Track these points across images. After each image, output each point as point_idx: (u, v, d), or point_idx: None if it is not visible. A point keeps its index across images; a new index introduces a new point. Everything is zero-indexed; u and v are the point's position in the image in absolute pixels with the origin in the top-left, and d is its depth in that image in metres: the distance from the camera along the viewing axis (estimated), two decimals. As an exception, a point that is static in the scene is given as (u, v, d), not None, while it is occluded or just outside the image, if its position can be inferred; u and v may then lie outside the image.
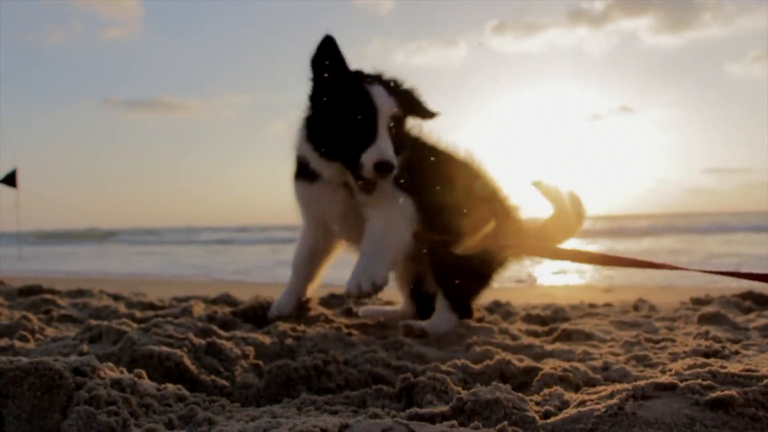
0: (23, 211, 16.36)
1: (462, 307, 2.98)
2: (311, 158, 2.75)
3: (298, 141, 2.82)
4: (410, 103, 2.76)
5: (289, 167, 2.97)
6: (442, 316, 2.89)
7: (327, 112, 2.67)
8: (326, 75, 2.65)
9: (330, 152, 2.67)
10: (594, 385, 1.92)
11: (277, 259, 13.87)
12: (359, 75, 2.69)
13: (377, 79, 2.70)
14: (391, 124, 2.62)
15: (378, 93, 2.61)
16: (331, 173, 2.73)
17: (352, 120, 2.58)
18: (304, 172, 2.85)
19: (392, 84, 2.72)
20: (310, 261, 3.16)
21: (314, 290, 3.35)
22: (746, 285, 4.59)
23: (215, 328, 2.62)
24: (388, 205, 2.76)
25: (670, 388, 1.53)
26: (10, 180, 14.77)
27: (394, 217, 2.75)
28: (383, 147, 2.54)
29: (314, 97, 2.73)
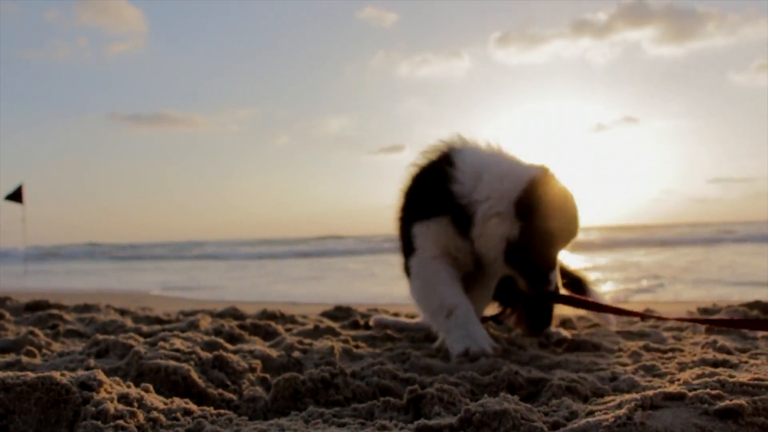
0: (29, 226, 16.40)
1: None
2: (498, 264, 2.71)
3: (470, 199, 2.69)
4: None
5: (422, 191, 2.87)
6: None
7: (532, 236, 2.63)
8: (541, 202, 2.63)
9: (523, 269, 2.70)
10: (602, 396, 1.91)
11: (286, 275, 13.88)
12: (569, 195, 2.72)
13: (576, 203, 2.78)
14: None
15: (577, 215, 2.75)
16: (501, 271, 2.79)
17: (552, 243, 2.70)
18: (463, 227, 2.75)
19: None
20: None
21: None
22: (754, 295, 4.56)
23: (222, 341, 2.62)
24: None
25: (678, 397, 1.53)
26: (17, 196, 14.84)
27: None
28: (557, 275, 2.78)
29: (528, 213, 2.63)
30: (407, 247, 2.85)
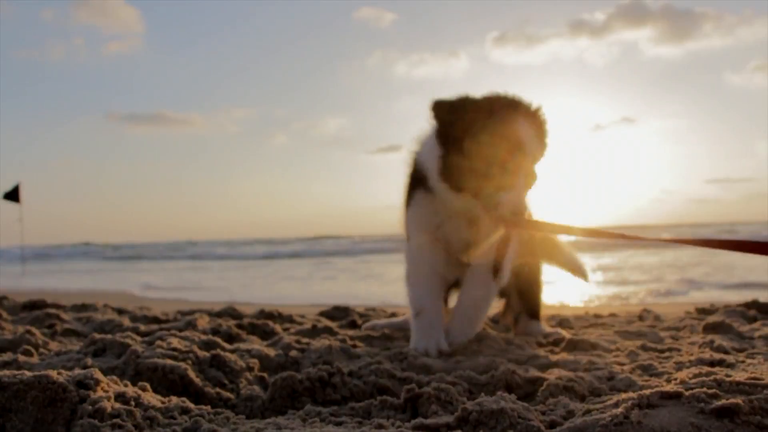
0: (26, 226, 16.36)
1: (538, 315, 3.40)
2: (441, 190, 2.67)
3: (425, 167, 2.73)
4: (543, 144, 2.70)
5: (404, 184, 2.93)
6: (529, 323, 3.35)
7: (465, 148, 2.55)
8: (459, 112, 2.59)
9: (465, 187, 2.61)
10: (599, 395, 1.92)
11: (283, 274, 13.87)
12: (502, 102, 2.61)
13: (522, 109, 2.62)
14: (531, 167, 2.58)
15: (526, 133, 2.56)
16: (460, 205, 2.69)
17: (496, 159, 2.53)
18: (425, 194, 2.78)
19: (537, 120, 2.66)
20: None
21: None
22: (751, 295, 4.57)
23: (219, 340, 2.62)
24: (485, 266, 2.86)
25: (675, 396, 1.53)
26: (14, 195, 14.82)
27: (490, 284, 2.88)
28: (520, 195, 2.58)
29: (446, 133, 2.62)
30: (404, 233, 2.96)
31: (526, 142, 2.54)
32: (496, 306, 3.49)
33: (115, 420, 1.55)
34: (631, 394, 1.59)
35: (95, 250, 38.47)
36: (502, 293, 3.39)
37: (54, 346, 2.85)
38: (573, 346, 2.83)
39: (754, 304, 3.86)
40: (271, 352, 2.50)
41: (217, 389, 2.09)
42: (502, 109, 2.57)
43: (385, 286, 9.67)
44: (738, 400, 1.44)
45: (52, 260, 26.92)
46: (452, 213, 2.75)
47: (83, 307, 4.29)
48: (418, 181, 2.81)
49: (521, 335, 3.25)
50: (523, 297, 3.35)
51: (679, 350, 2.67)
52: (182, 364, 2.13)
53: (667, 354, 2.60)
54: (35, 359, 2.48)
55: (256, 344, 2.79)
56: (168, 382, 2.06)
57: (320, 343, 2.70)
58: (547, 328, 3.38)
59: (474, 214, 2.71)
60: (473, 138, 2.53)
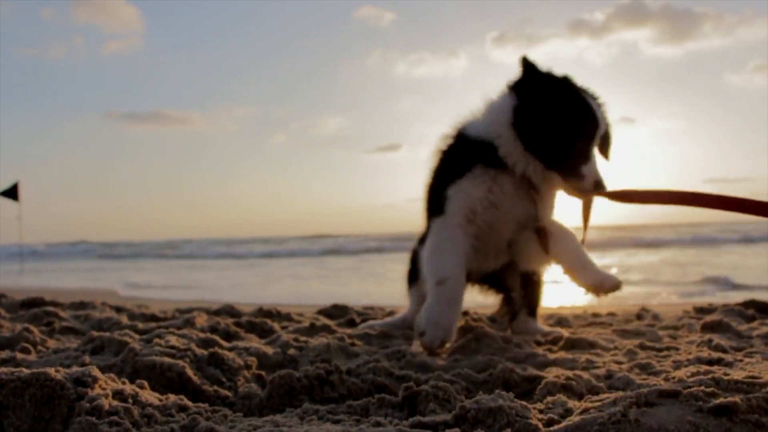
0: (25, 224, 16.35)
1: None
2: (511, 152, 2.70)
3: (492, 128, 2.75)
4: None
5: (443, 160, 2.91)
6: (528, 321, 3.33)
7: (547, 117, 2.64)
8: (544, 79, 2.68)
9: (544, 154, 2.66)
10: (597, 393, 1.91)
11: (282, 273, 13.86)
12: (576, 87, 2.72)
13: (590, 94, 2.74)
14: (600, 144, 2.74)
15: (599, 110, 2.69)
16: (528, 169, 2.71)
17: (576, 132, 2.63)
18: (486, 160, 2.75)
19: (601, 103, 2.78)
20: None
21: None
22: (749, 294, 4.57)
23: (217, 338, 2.61)
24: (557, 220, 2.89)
25: (673, 395, 1.53)
26: (12, 193, 14.80)
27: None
28: (598, 168, 2.68)
29: (529, 97, 2.69)
30: (435, 208, 2.87)
31: (603, 125, 2.69)
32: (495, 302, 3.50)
33: (112, 417, 1.55)
34: (629, 393, 1.59)
35: (90, 248, 38.36)
36: (504, 287, 3.38)
37: (52, 343, 2.84)
38: (571, 344, 2.83)
39: (752, 304, 3.86)
40: (269, 351, 2.50)
41: (215, 387, 2.09)
42: (585, 92, 2.71)
43: (384, 285, 9.67)
44: (736, 398, 1.44)
45: (44, 259, 26.75)
46: (514, 187, 2.74)
47: (81, 305, 4.28)
48: (473, 155, 2.76)
49: (518, 332, 3.25)
50: (527, 294, 3.34)
51: (677, 349, 2.67)
52: (180, 362, 2.12)
53: (665, 353, 2.60)
54: (33, 357, 2.48)
55: (254, 342, 2.78)
56: (166, 380, 2.06)
57: (318, 341, 2.69)
58: (545, 327, 3.38)
59: (536, 186, 2.74)
60: (565, 112, 2.62)
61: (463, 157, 2.80)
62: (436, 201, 2.84)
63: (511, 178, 2.73)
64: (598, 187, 2.64)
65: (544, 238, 2.82)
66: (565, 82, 2.70)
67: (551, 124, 2.62)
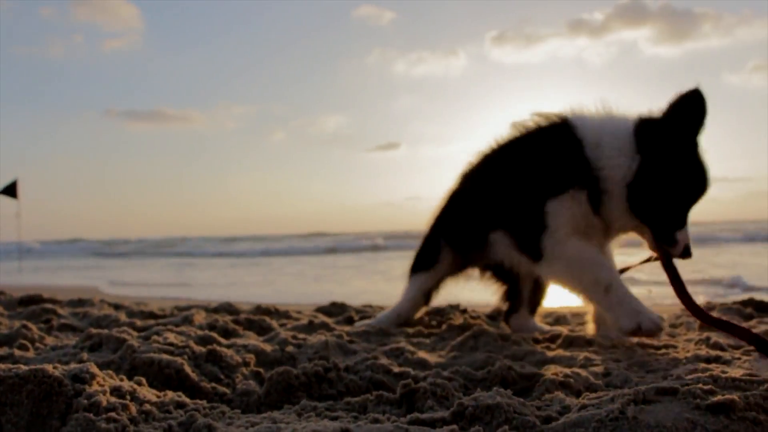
0: (24, 222, 16.32)
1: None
2: (611, 202, 2.60)
3: (604, 162, 2.60)
4: None
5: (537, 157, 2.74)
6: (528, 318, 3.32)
7: (666, 182, 2.53)
8: (678, 140, 2.53)
9: (646, 215, 2.58)
10: (595, 391, 1.92)
11: (280, 272, 13.85)
12: (699, 146, 2.57)
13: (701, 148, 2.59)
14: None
15: (709, 173, 2.55)
16: (623, 224, 2.66)
17: (689, 199, 2.55)
18: (585, 185, 2.64)
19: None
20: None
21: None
22: (747, 293, 4.58)
23: (216, 335, 2.61)
24: None
25: (671, 392, 1.53)
26: (11, 191, 14.79)
27: None
28: (687, 233, 2.57)
29: (655, 158, 2.54)
30: (533, 223, 2.72)
31: (709, 184, 2.56)
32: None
33: (110, 414, 1.55)
34: (626, 390, 1.59)
35: (86, 246, 38.31)
36: (513, 279, 3.31)
37: (50, 340, 2.84)
38: (569, 342, 2.83)
39: (750, 302, 3.87)
40: (268, 348, 2.50)
41: (213, 384, 2.09)
42: (704, 153, 2.57)
43: (382, 284, 9.67)
44: (734, 396, 1.45)
45: (38, 256, 26.58)
46: (596, 223, 2.67)
47: (79, 303, 4.28)
48: (573, 170, 2.65)
49: (516, 329, 3.25)
50: (535, 292, 3.29)
51: (675, 347, 2.67)
52: (178, 359, 2.12)
53: (663, 351, 2.60)
54: (31, 354, 2.47)
55: (252, 340, 2.78)
56: (164, 376, 2.06)
57: (317, 338, 2.69)
58: (544, 325, 3.38)
59: (619, 234, 2.71)
60: (688, 178, 2.53)
61: (566, 168, 2.67)
62: (527, 212, 2.74)
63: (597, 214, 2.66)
64: (686, 255, 2.58)
65: None
66: (694, 141, 2.55)
67: (667, 190, 2.53)
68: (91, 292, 8.09)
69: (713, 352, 2.35)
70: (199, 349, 2.29)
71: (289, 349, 2.51)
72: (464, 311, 3.88)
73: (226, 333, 2.97)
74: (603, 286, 2.57)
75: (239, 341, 2.61)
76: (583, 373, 2.08)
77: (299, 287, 9.66)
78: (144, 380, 1.91)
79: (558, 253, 2.67)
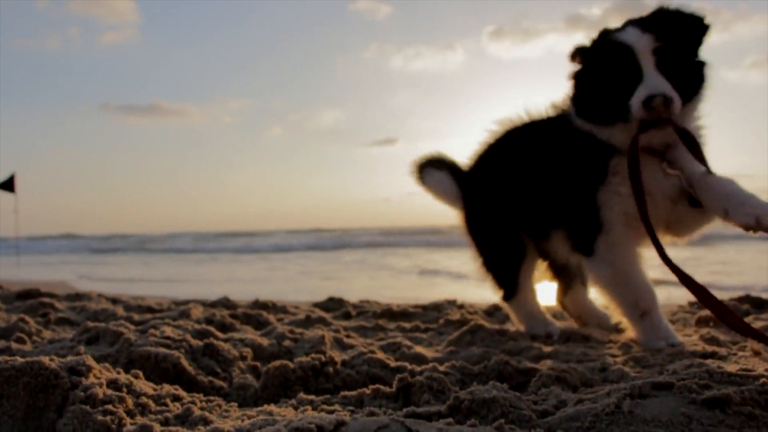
0: (21, 216, 16.30)
1: None
2: (592, 130, 2.50)
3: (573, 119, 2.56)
4: (679, 26, 2.49)
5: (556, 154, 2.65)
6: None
7: (589, 81, 2.51)
8: (586, 53, 2.51)
9: (603, 115, 2.46)
10: (592, 386, 1.92)
11: (277, 268, 13.85)
12: (606, 31, 2.49)
13: (630, 22, 2.47)
14: (659, 58, 2.36)
15: (629, 34, 2.39)
16: (620, 137, 2.45)
17: (612, 74, 2.41)
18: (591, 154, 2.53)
19: (650, 18, 2.47)
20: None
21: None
22: (744, 289, 4.58)
23: (213, 329, 2.61)
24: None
25: (667, 387, 1.53)
26: (9, 185, 14.77)
27: None
28: (651, 82, 2.32)
29: (576, 78, 2.56)
30: (587, 218, 2.58)
31: (632, 42, 2.39)
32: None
33: (106, 406, 1.55)
34: (622, 385, 1.59)
35: (76, 241, 38.20)
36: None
37: (47, 334, 2.84)
38: (566, 337, 2.84)
39: (746, 299, 3.87)
40: (265, 342, 2.50)
41: (210, 378, 2.09)
42: (604, 35, 2.50)
43: (380, 279, 9.68)
44: (729, 390, 1.45)
45: (28, 252, 26.34)
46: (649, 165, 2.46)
47: (77, 297, 4.29)
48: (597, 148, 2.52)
49: (576, 312, 3.24)
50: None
51: (671, 343, 2.67)
52: (175, 353, 2.13)
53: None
54: (28, 347, 2.48)
55: (249, 334, 2.78)
56: (161, 370, 2.06)
57: (314, 333, 2.70)
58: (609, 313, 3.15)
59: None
60: (588, 69, 2.51)
61: (592, 151, 2.55)
62: (581, 212, 2.60)
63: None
64: (649, 104, 2.32)
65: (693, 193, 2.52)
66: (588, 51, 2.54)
67: (589, 92, 2.52)
68: (59, 287, 8.03)
69: (709, 348, 2.36)
70: (196, 342, 2.29)
71: (286, 343, 2.51)
72: (461, 306, 3.88)
73: (224, 327, 2.97)
74: (641, 311, 2.56)
75: (236, 335, 2.61)
76: (580, 368, 2.08)
77: (295, 282, 9.66)
78: (141, 373, 1.91)
79: (605, 260, 2.58)
